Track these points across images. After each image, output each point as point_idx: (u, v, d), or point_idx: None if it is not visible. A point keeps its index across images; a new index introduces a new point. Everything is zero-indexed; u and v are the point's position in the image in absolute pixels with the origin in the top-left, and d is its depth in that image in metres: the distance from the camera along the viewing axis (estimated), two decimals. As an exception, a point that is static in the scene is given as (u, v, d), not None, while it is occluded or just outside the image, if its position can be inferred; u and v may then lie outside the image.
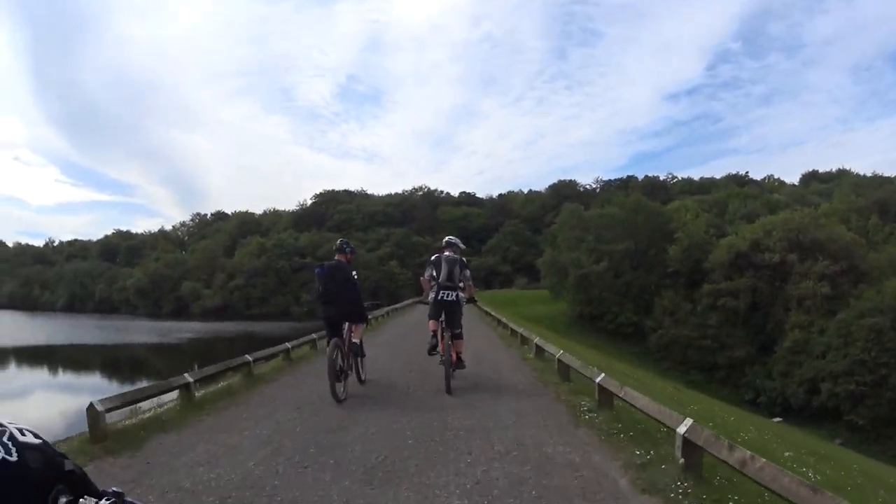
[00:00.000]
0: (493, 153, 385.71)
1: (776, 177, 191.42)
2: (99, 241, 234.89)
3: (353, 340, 15.87)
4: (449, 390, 15.54)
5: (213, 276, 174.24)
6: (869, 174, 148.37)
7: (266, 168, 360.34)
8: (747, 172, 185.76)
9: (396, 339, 32.63)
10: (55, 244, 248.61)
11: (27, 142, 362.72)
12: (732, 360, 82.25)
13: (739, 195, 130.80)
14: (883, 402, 61.05)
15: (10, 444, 1.34)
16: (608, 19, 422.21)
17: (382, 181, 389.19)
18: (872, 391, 62.24)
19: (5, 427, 1.42)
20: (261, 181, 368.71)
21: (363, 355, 16.99)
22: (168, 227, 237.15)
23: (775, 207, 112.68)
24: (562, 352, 18.50)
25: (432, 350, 16.72)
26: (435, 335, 16.45)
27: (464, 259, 16.86)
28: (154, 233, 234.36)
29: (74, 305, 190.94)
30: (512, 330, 33.06)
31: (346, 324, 15.86)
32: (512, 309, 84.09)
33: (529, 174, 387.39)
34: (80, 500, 1.08)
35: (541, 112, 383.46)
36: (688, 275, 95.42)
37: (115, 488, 1.18)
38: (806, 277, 79.13)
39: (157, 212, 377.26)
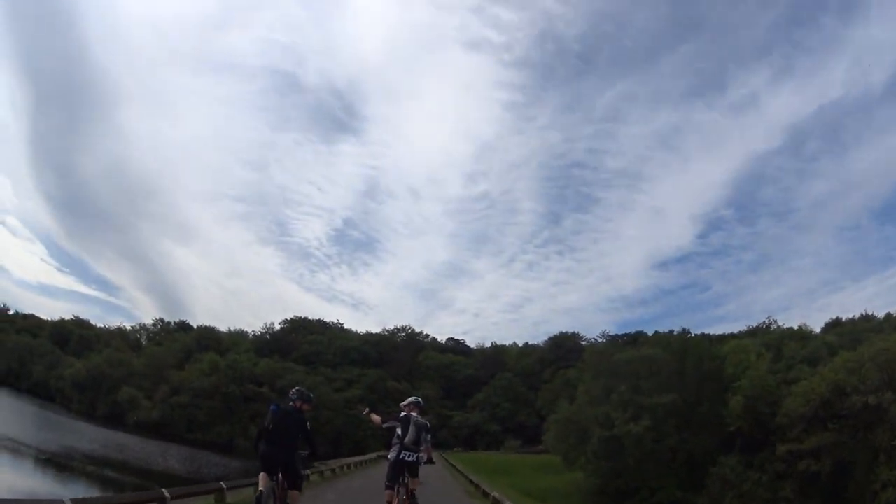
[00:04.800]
0: (480, 313, 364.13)
1: (797, 327, 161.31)
2: (53, 323, 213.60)
3: None
4: None
5: (158, 387, 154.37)
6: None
7: (253, 297, 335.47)
8: (776, 320, 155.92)
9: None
10: (10, 312, 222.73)
11: (17, 210, 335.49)
12: None
13: (796, 335, 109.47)
14: None
15: None
16: (605, 185, 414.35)
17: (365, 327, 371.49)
18: None
19: None
20: (246, 308, 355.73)
21: None
22: (128, 327, 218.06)
23: (835, 350, 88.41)
24: None
25: None
26: None
27: (428, 424, 17.97)
28: (112, 329, 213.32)
29: (9, 380, 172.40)
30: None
31: (281, 478, 15.71)
32: (506, 479, 73.46)
33: (514, 337, 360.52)
34: None
35: (531, 276, 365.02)
36: (747, 435, 75.69)
37: None
38: (906, 422, 60.77)
39: (138, 318, 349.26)
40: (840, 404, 64.94)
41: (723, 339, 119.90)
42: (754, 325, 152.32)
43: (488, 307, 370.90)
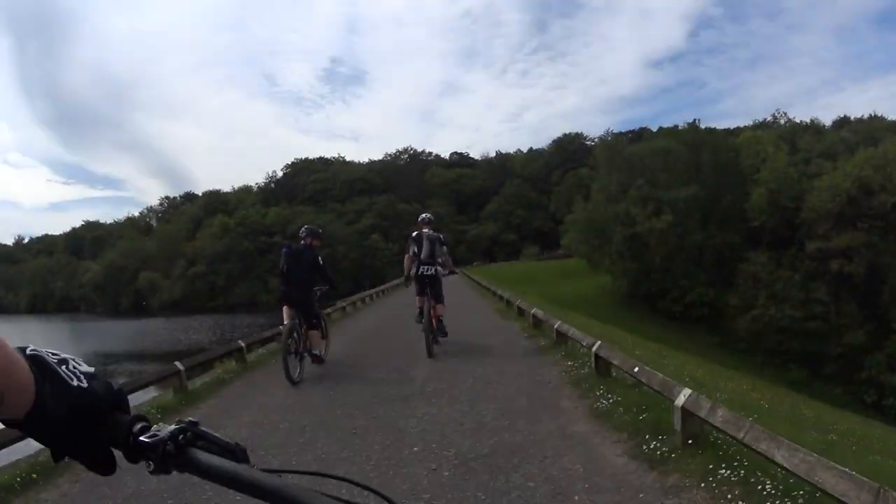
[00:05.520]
0: (480, 126, 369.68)
1: (809, 121, 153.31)
2: (65, 235, 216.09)
3: (314, 352, 15.45)
4: (431, 353, 16.44)
5: (174, 264, 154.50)
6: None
7: (254, 152, 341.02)
8: (785, 113, 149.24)
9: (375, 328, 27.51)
10: (25, 241, 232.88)
11: (16, 144, 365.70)
12: (845, 348, 62.15)
13: (811, 129, 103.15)
14: None
15: (77, 371, 1.14)
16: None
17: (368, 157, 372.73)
18: None
19: (65, 356, 1.14)
20: (249, 166, 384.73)
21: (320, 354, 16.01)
22: (137, 214, 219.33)
23: (852, 146, 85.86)
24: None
25: (419, 319, 17.55)
26: (421, 310, 17.37)
27: (441, 236, 18.04)
28: (122, 221, 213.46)
29: (36, 305, 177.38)
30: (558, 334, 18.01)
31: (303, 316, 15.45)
32: (530, 288, 66.62)
33: (517, 145, 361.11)
34: (154, 426, 1.18)
35: (526, 84, 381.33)
36: (773, 231, 74.22)
37: (190, 418, 1.26)
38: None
39: (146, 203, 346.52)
40: (867, 202, 63.28)
41: (731, 132, 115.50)
42: (760, 120, 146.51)
43: (488, 119, 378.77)
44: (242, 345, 18.71)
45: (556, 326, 17.66)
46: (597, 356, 12.58)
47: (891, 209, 61.77)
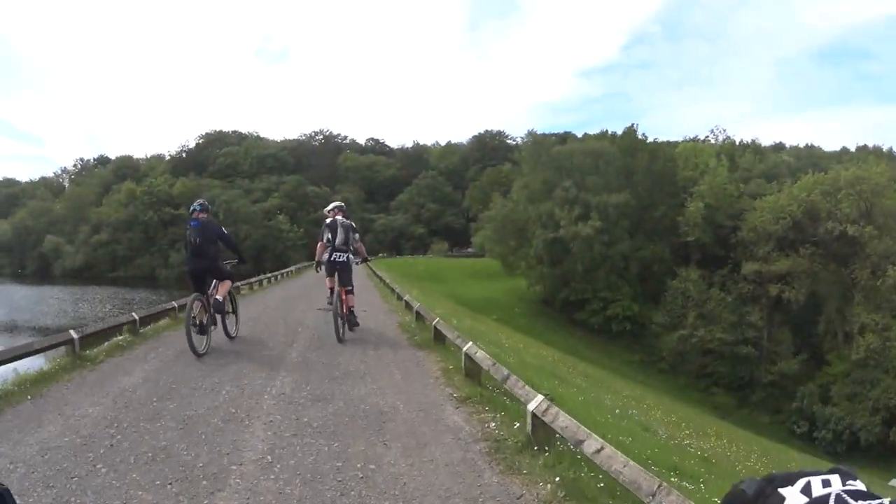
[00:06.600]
0: (399, 114, 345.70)
1: (750, 140, 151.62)
2: None
3: (217, 297, 15.04)
4: (340, 339, 16.01)
5: (79, 229, 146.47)
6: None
7: (174, 120, 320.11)
8: (724, 130, 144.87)
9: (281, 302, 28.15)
10: None
11: None
12: (776, 376, 59.59)
13: (750, 149, 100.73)
14: None
15: None
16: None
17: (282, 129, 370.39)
18: None
19: None
20: (168, 135, 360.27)
21: (230, 312, 16.08)
22: (52, 174, 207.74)
23: (793, 170, 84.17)
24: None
25: (329, 302, 17.57)
26: (332, 291, 17.27)
27: (353, 224, 18.01)
28: (36, 181, 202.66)
29: None
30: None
31: (214, 280, 15.51)
32: (438, 287, 63.91)
33: (435, 139, 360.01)
34: None
35: (451, 79, 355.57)
36: (704, 248, 70.17)
37: None
38: (888, 261, 56.21)
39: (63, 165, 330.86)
40: (813, 228, 61.18)
41: (668, 144, 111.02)
42: (691, 137, 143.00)
43: (407, 107, 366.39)
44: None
45: (532, 408, 7.65)
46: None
47: (836, 238, 58.99)
